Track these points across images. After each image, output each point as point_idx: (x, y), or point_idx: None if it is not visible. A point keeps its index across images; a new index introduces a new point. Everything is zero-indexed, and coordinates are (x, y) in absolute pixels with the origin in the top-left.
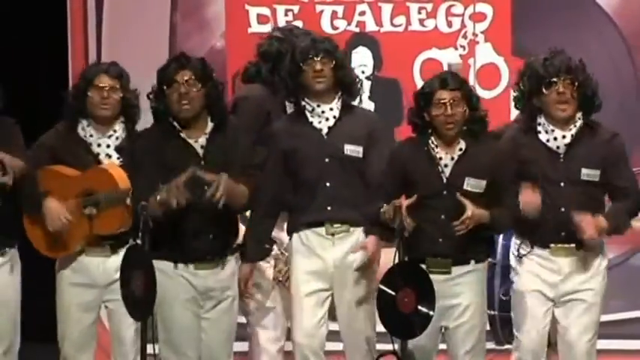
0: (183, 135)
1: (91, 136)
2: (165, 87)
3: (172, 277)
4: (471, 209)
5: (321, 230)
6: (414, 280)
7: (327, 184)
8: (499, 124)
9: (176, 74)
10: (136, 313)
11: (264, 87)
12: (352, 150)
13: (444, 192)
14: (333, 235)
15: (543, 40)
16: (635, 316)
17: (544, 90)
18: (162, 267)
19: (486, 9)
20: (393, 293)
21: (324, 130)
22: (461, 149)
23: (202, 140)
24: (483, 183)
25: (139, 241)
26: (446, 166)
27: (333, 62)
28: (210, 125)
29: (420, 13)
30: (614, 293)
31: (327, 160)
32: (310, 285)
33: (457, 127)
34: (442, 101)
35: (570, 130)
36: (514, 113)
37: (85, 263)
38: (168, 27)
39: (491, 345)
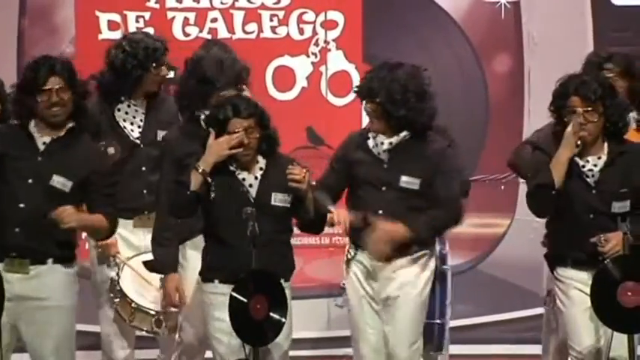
0: (31, 129)
1: None
2: (34, 92)
3: None
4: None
5: None
6: (266, 287)
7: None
8: (350, 131)
9: (47, 81)
10: None
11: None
12: None
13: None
14: None
15: (394, 47)
16: (481, 322)
17: None
18: None
19: (338, 17)
20: (244, 300)
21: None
22: (261, 168)
23: (46, 138)
24: (289, 197)
25: None
26: (250, 186)
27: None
28: (68, 125)
29: (271, 20)
30: (460, 299)
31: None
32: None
33: (252, 153)
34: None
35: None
36: (365, 120)
37: None
38: (17, 32)
39: None
